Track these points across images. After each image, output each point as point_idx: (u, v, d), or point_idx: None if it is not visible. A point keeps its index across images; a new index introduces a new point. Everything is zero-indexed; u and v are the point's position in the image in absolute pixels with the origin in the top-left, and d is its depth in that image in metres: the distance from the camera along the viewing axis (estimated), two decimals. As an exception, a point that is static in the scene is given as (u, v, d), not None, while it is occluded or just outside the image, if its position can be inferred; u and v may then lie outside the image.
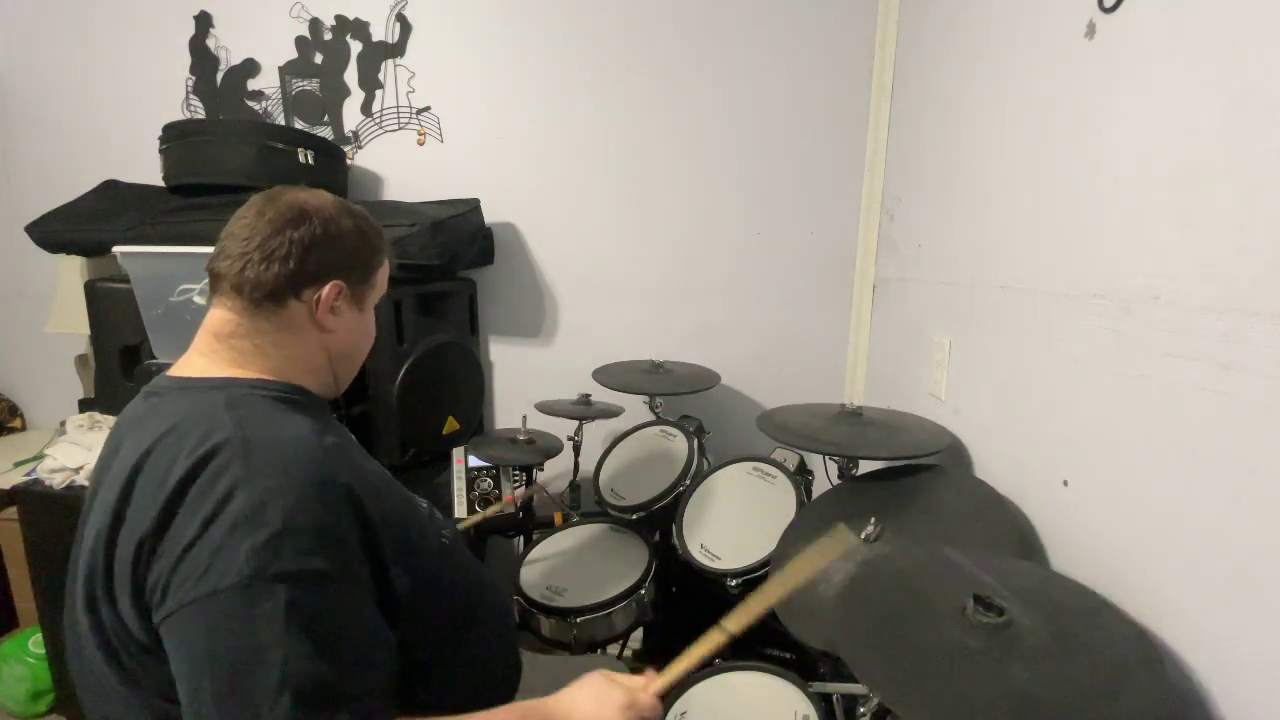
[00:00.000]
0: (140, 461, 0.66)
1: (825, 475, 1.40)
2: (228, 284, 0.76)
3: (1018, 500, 1.06)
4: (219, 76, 1.97)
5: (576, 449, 1.68)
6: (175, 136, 1.67)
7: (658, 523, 1.49)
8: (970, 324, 1.26)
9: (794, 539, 1.18)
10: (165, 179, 1.71)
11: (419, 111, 1.93)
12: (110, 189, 1.86)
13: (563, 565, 1.48)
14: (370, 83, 1.93)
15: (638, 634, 1.54)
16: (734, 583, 1.22)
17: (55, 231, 1.71)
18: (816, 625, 0.98)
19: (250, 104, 1.97)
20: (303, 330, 0.79)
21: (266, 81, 1.96)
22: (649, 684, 0.81)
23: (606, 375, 1.69)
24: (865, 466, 1.29)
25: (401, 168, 1.97)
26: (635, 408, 1.73)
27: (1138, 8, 0.82)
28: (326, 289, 0.78)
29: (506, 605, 1.00)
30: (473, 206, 1.79)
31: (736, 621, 0.82)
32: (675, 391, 1.66)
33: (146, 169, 1.80)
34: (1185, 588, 0.72)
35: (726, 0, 1.79)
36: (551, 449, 1.56)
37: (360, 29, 1.90)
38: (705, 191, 1.89)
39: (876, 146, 1.78)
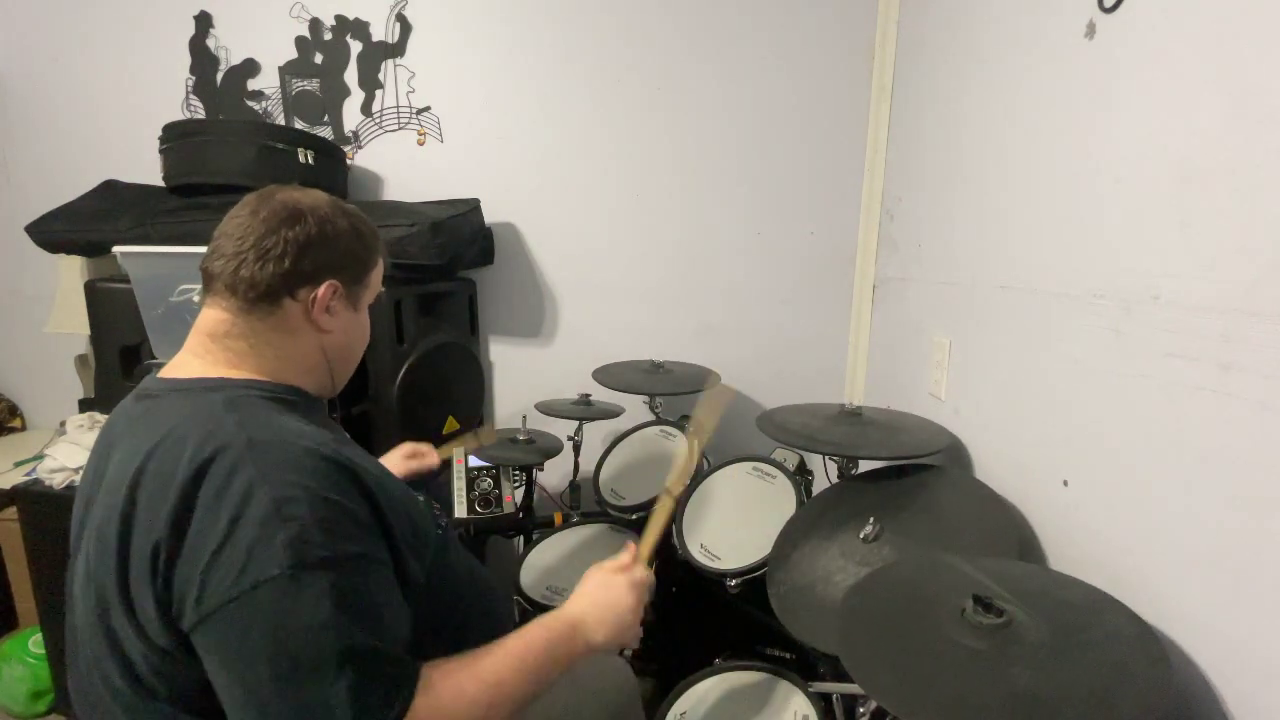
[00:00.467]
0: (142, 465, 0.66)
1: (825, 475, 1.40)
2: (221, 284, 0.76)
3: (1018, 500, 1.06)
4: (219, 76, 1.97)
5: (576, 449, 1.68)
6: (175, 136, 1.67)
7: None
8: (970, 324, 1.26)
9: (793, 538, 1.18)
10: (165, 179, 1.70)
11: (419, 111, 1.93)
12: (110, 189, 1.86)
13: (563, 565, 1.48)
14: (370, 83, 1.93)
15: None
16: (734, 582, 1.22)
17: (55, 231, 1.71)
18: (817, 625, 0.98)
19: (250, 104, 1.97)
20: (298, 330, 0.79)
21: (266, 81, 1.96)
22: (634, 560, 0.92)
23: (606, 375, 1.69)
24: (865, 466, 1.29)
25: (401, 168, 1.97)
26: (635, 408, 1.73)
27: (1138, 8, 0.82)
28: (322, 289, 0.78)
29: (503, 602, 1.01)
30: (473, 206, 1.79)
31: (675, 483, 0.99)
32: (675, 391, 1.66)
33: (146, 169, 1.80)
34: (1185, 588, 0.72)
35: (726, 0, 1.79)
36: (551, 449, 1.56)
37: (360, 29, 1.90)
38: (705, 191, 1.89)
39: (876, 146, 1.78)
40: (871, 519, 1.05)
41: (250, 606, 0.60)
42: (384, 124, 1.95)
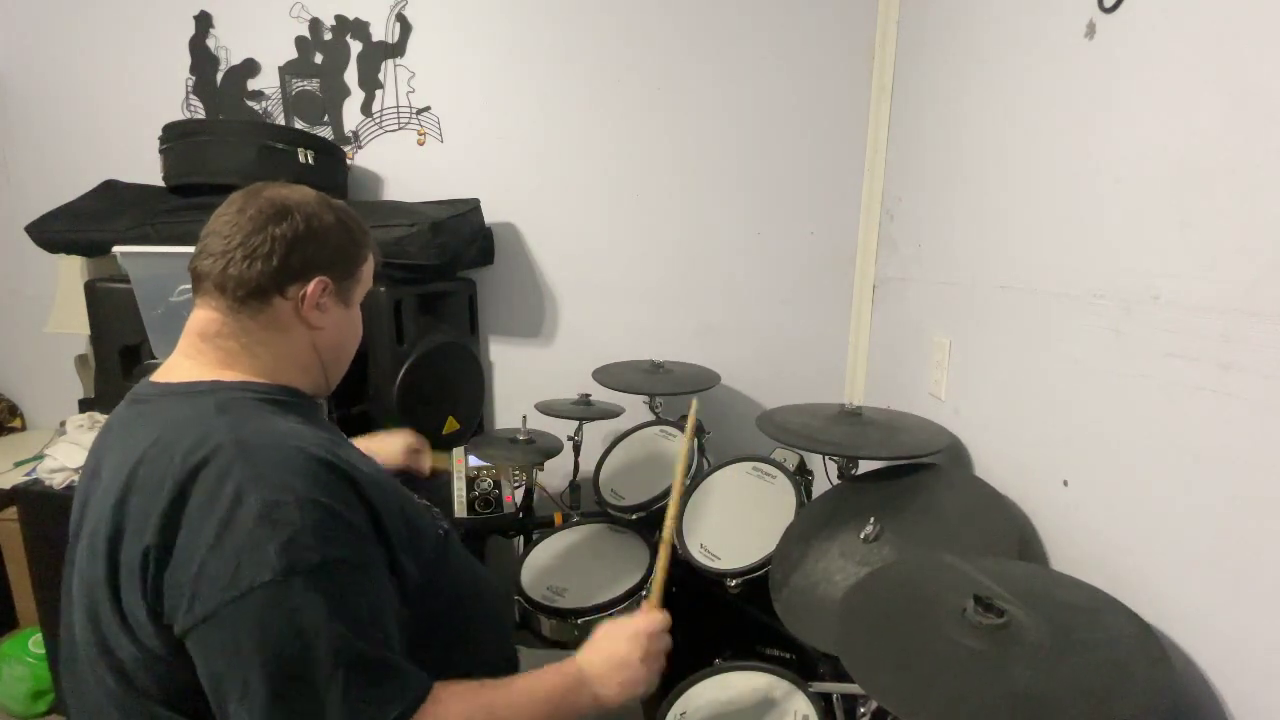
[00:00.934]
0: (134, 469, 0.66)
1: (825, 475, 1.40)
2: (210, 283, 0.75)
3: (1018, 500, 1.06)
4: (219, 76, 1.97)
5: (576, 449, 1.68)
6: (175, 136, 1.67)
7: (658, 523, 1.48)
8: (970, 324, 1.26)
9: (793, 538, 1.18)
10: (165, 179, 1.70)
11: (419, 111, 1.93)
12: (110, 189, 1.86)
13: (563, 565, 1.48)
14: (370, 83, 1.93)
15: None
16: (734, 583, 1.22)
17: (55, 231, 1.70)
18: (816, 625, 0.98)
19: (250, 104, 1.97)
20: (289, 328, 0.78)
21: (266, 81, 1.96)
22: (645, 611, 0.88)
23: (606, 375, 1.69)
24: (865, 466, 1.29)
25: (401, 168, 1.97)
26: (635, 408, 1.73)
27: (1138, 8, 0.82)
28: (311, 285, 0.77)
29: (502, 601, 1.01)
30: (473, 206, 1.79)
31: (667, 529, 0.99)
32: (675, 391, 1.66)
33: (146, 169, 1.80)
34: (1185, 588, 0.72)
35: (726, 0, 1.79)
36: (551, 449, 1.56)
37: (360, 29, 1.90)
38: (705, 191, 1.89)
39: (876, 146, 1.77)
40: (871, 519, 1.05)
41: (242, 611, 0.59)
42: (384, 124, 1.95)
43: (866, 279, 1.84)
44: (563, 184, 1.92)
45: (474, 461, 1.53)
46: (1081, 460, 0.92)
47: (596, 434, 1.78)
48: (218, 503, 0.61)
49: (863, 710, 0.91)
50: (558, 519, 1.61)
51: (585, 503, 1.66)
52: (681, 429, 1.61)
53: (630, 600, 1.32)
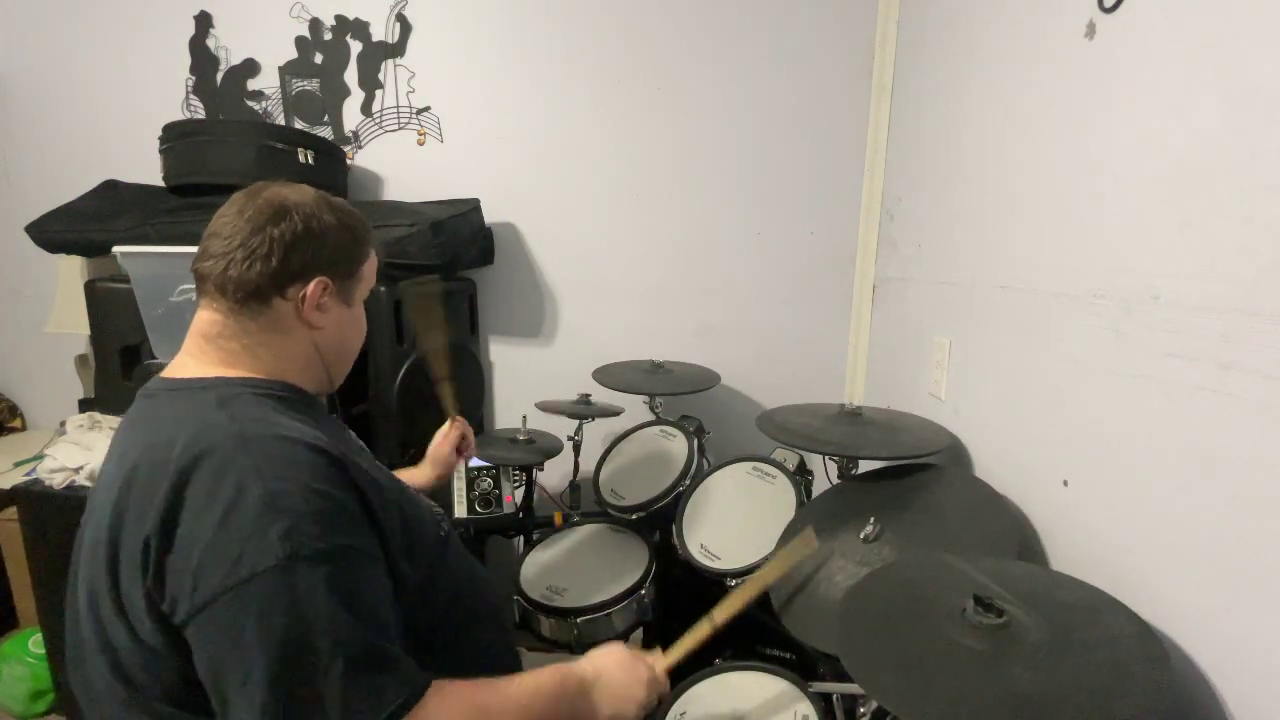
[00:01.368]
0: (136, 462, 0.66)
1: (825, 475, 1.40)
2: (212, 284, 0.75)
3: (1018, 500, 1.06)
4: (219, 76, 1.97)
5: (576, 449, 1.68)
6: (175, 136, 1.67)
7: (658, 523, 1.49)
8: (970, 324, 1.26)
9: (792, 537, 1.18)
10: (165, 179, 1.71)
11: (419, 111, 1.93)
12: (110, 189, 1.86)
13: (563, 565, 1.48)
14: (370, 83, 1.93)
15: (638, 634, 1.54)
16: (734, 583, 1.22)
17: (55, 231, 1.71)
18: (816, 625, 0.98)
19: (250, 104, 1.97)
20: (290, 329, 0.78)
21: (266, 81, 1.96)
22: (659, 662, 0.88)
23: (606, 375, 1.69)
24: (865, 466, 1.29)
25: (401, 168, 1.97)
26: (635, 408, 1.73)
27: (1138, 8, 0.82)
28: (311, 286, 0.77)
29: (502, 603, 1.01)
30: (473, 206, 1.79)
31: (722, 613, 0.93)
32: (675, 391, 1.66)
33: (146, 169, 1.80)
34: (1185, 587, 0.72)
35: (726, 0, 1.79)
36: (551, 449, 1.56)
37: (360, 29, 1.90)
38: (705, 191, 1.89)
39: (876, 146, 1.77)
40: (871, 519, 1.04)
41: (244, 598, 0.59)
42: (384, 124, 1.95)
43: (866, 279, 1.84)
44: (563, 184, 1.92)
45: (474, 461, 1.53)
46: (1081, 460, 0.92)
47: (596, 434, 1.78)
48: (219, 493, 0.62)
49: (863, 710, 0.91)
50: (558, 519, 1.61)
51: (585, 503, 1.67)
52: (681, 429, 1.61)
53: (630, 599, 1.32)
